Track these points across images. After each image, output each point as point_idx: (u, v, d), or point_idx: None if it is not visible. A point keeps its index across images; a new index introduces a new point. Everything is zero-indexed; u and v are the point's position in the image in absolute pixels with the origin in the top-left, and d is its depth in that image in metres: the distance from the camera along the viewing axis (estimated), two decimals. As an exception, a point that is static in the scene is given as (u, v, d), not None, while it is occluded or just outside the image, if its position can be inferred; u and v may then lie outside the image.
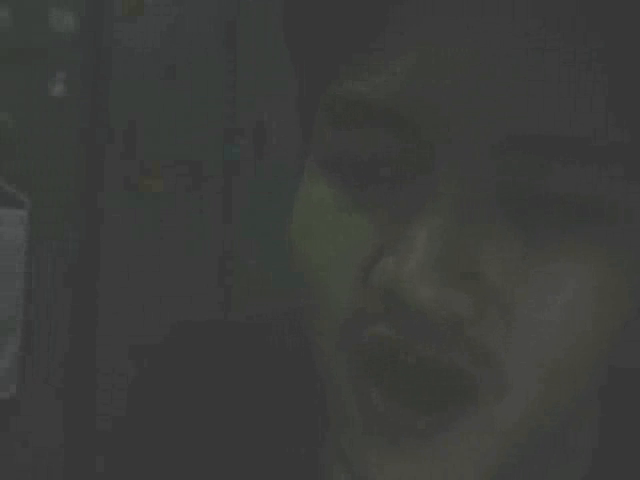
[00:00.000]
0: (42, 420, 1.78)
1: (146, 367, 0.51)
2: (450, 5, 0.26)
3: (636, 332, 0.33)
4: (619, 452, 0.39)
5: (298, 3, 0.31)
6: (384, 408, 0.29)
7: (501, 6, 0.26)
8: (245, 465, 0.46)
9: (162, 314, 1.90)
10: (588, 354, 0.29)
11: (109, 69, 1.89)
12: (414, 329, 0.27)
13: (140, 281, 1.91)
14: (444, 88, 0.26)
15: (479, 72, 0.26)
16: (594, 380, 0.32)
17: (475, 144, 0.26)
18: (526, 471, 0.34)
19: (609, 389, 0.40)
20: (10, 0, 1.76)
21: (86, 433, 1.83)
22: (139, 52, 1.93)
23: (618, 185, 0.27)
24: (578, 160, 0.26)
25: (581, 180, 0.26)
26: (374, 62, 0.28)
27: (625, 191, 0.28)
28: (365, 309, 0.29)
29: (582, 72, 0.26)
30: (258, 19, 1.92)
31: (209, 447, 0.47)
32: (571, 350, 0.28)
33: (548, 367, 0.28)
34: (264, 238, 1.86)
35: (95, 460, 1.82)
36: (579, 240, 0.28)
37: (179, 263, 1.97)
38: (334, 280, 0.30)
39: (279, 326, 0.47)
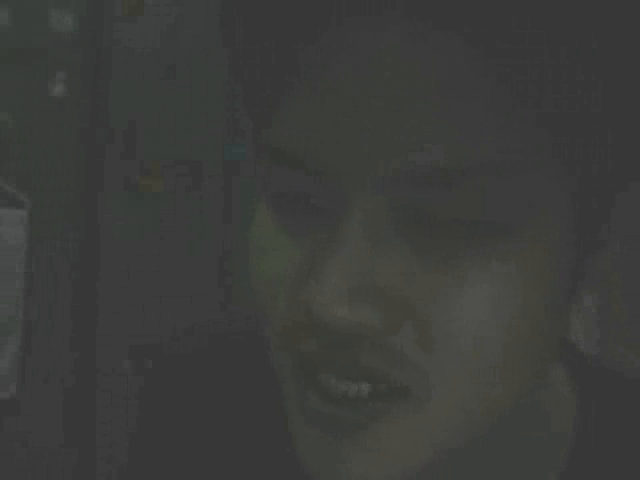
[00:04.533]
0: (42, 420, 1.79)
1: (152, 378, 0.52)
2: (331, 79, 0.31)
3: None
4: (595, 450, 0.41)
5: (235, 60, 0.37)
6: (322, 408, 0.33)
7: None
8: (247, 470, 0.46)
9: (162, 314, 1.90)
10: (509, 350, 0.32)
11: (109, 69, 1.90)
12: (335, 343, 0.32)
13: (140, 281, 1.91)
14: (333, 139, 0.31)
15: (357, 123, 0.31)
16: (532, 372, 0.35)
17: (360, 180, 0.31)
18: (485, 462, 0.39)
19: (589, 390, 0.42)
20: (10, 0, 1.76)
21: (86, 433, 1.84)
22: (139, 52, 1.94)
23: (510, 204, 0.31)
24: (452, 187, 0.30)
25: (458, 205, 0.30)
26: (281, 118, 0.33)
27: (520, 207, 0.31)
28: (295, 327, 0.33)
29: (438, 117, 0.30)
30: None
31: (217, 462, 0.47)
32: (486, 348, 0.32)
33: (468, 365, 0.32)
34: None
35: (95, 460, 1.83)
36: (472, 251, 0.31)
37: (179, 263, 1.97)
38: (273, 296, 0.34)
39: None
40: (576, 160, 0.32)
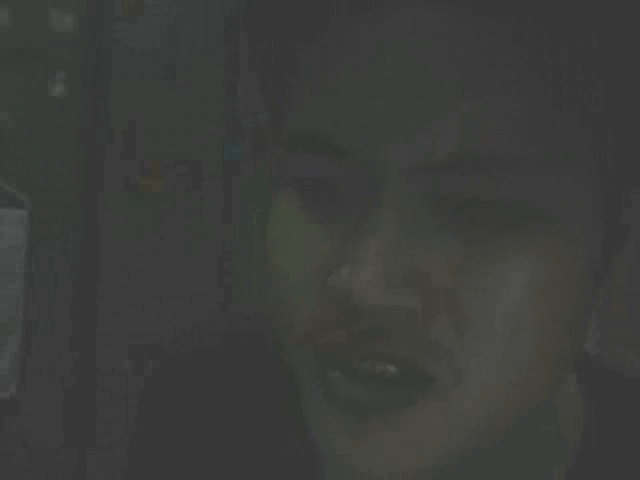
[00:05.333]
0: (42, 420, 1.78)
1: (154, 379, 0.52)
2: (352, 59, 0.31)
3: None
4: (602, 450, 0.40)
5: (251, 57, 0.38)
6: (344, 384, 0.32)
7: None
8: (248, 468, 0.46)
9: (162, 314, 1.90)
10: (542, 343, 0.32)
11: (109, 69, 1.89)
12: (366, 332, 0.31)
13: (140, 281, 1.91)
14: (368, 123, 0.31)
15: (391, 107, 0.30)
16: (558, 371, 0.34)
17: (394, 165, 0.30)
18: (499, 458, 0.38)
19: (594, 391, 0.42)
20: (10, 0, 1.76)
21: (86, 433, 1.84)
22: (139, 52, 1.93)
23: (544, 192, 0.31)
24: (494, 172, 0.30)
25: (499, 189, 0.30)
26: (309, 104, 0.33)
27: (552, 197, 0.31)
28: (322, 318, 0.32)
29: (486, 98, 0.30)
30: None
31: (218, 462, 0.47)
32: (521, 339, 0.31)
33: (501, 356, 0.31)
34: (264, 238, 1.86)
35: (95, 460, 1.83)
36: (514, 239, 0.31)
37: (179, 263, 1.97)
38: (295, 289, 0.33)
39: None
40: (607, 157, 0.32)
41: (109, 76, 1.89)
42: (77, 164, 1.85)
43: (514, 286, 0.31)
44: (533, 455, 0.40)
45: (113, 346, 1.87)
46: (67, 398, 1.82)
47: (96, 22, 1.87)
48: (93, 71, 1.87)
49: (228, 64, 2.03)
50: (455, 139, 0.30)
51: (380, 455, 0.32)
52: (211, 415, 0.48)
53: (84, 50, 1.86)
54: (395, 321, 0.30)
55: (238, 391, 0.48)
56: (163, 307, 1.92)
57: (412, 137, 0.30)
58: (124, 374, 1.88)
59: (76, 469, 1.82)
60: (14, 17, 1.77)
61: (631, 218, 0.35)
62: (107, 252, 1.87)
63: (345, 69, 0.31)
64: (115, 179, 1.90)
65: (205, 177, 2.03)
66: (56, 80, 1.81)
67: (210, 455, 0.48)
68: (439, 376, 0.31)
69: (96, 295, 1.86)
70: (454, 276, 0.31)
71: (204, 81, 2.01)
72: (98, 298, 1.86)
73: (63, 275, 1.82)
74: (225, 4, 1.99)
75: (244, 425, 0.47)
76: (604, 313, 1.97)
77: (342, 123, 0.31)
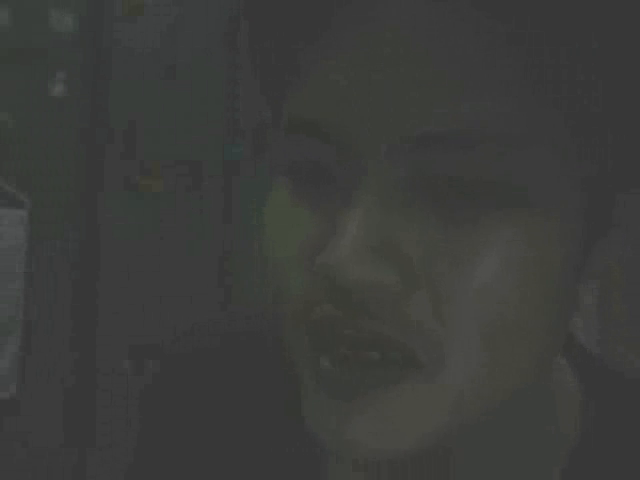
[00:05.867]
0: (42, 420, 1.78)
1: (156, 378, 0.52)
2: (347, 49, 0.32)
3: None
4: (597, 450, 0.41)
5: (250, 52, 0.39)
6: (331, 372, 0.33)
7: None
8: (250, 467, 0.46)
9: (162, 314, 1.90)
10: (521, 323, 0.32)
11: (109, 69, 1.89)
12: (351, 307, 0.32)
13: (140, 281, 1.91)
14: (346, 106, 0.32)
15: (368, 91, 0.31)
16: (541, 353, 0.35)
17: (378, 145, 0.31)
18: (493, 450, 0.39)
19: (594, 390, 0.42)
20: (10, 0, 1.76)
21: (86, 433, 1.84)
22: (139, 52, 1.93)
23: (528, 174, 0.31)
24: (471, 148, 0.30)
25: (482, 168, 0.31)
26: (300, 90, 0.34)
27: (536, 181, 0.31)
28: (312, 296, 0.33)
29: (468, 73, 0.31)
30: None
31: (220, 461, 0.48)
32: (503, 316, 0.32)
33: (483, 333, 0.32)
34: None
35: (95, 460, 1.83)
36: (494, 220, 0.31)
37: (179, 263, 1.97)
38: (289, 271, 0.34)
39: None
40: (590, 147, 0.32)
41: (109, 76, 1.89)
42: (77, 164, 1.85)
43: (492, 266, 0.31)
44: (529, 452, 0.40)
45: (113, 346, 1.87)
46: (67, 398, 1.82)
47: (96, 22, 1.87)
48: (93, 71, 1.87)
49: (228, 64, 2.03)
50: (433, 118, 0.30)
51: (367, 434, 0.33)
52: (211, 415, 0.48)
53: (84, 50, 1.86)
54: (376, 297, 0.31)
55: (238, 391, 0.48)
56: (163, 307, 1.92)
57: (388, 118, 0.31)
58: (124, 374, 1.88)
59: (76, 469, 1.82)
60: (14, 17, 1.77)
61: (617, 217, 0.36)
62: (107, 252, 1.87)
63: (340, 61, 0.32)
64: (115, 179, 1.90)
65: (205, 177, 2.03)
66: (56, 80, 1.81)
67: (211, 455, 0.48)
68: (420, 355, 0.32)
69: (96, 295, 1.86)
70: (433, 254, 0.32)
71: (204, 81, 2.01)
72: (98, 298, 1.86)
73: (63, 275, 1.82)
74: (225, 4, 1.99)
75: (244, 425, 0.47)
76: (604, 313, 1.97)
77: (326, 108, 0.32)
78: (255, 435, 0.47)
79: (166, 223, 1.96)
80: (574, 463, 0.40)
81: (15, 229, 1.76)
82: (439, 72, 0.31)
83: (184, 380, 0.50)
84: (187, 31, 1.99)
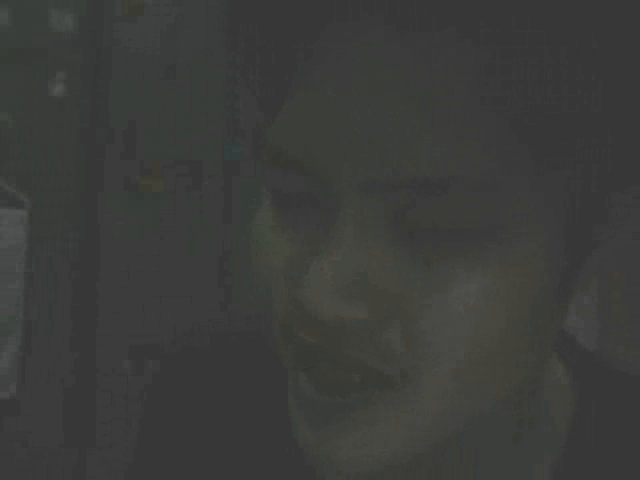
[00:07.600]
0: (42, 420, 1.79)
1: (159, 379, 0.52)
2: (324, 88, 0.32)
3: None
4: (589, 447, 0.41)
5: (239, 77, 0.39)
6: (309, 392, 0.34)
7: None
8: (251, 466, 0.46)
9: (162, 314, 1.90)
10: (501, 347, 0.33)
11: (109, 69, 1.90)
12: (326, 336, 0.33)
13: (140, 281, 1.91)
14: (322, 141, 0.32)
15: (342, 128, 0.31)
16: (519, 372, 0.35)
17: (349, 182, 0.32)
18: (479, 452, 0.40)
19: (588, 386, 0.43)
20: (10, 0, 1.76)
21: (86, 433, 1.84)
22: (139, 52, 1.94)
23: (497, 214, 0.31)
24: (435, 195, 0.31)
25: (449, 212, 0.31)
26: (279, 120, 0.34)
27: (506, 218, 0.32)
28: (293, 314, 0.34)
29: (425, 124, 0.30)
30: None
31: (221, 460, 0.48)
32: (479, 346, 0.32)
33: (459, 362, 0.33)
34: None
35: (95, 460, 1.83)
36: (465, 259, 0.32)
37: (179, 263, 1.97)
38: (274, 287, 0.36)
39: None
40: (559, 169, 0.32)
41: (109, 76, 1.89)
42: (77, 164, 1.85)
43: (466, 298, 0.32)
44: (520, 449, 0.41)
45: (113, 346, 1.88)
46: (67, 398, 1.82)
47: (96, 22, 1.88)
48: (93, 71, 1.87)
49: (228, 64, 2.03)
50: (406, 161, 0.30)
51: (343, 454, 0.34)
52: (211, 415, 0.49)
53: (84, 50, 1.86)
54: (350, 330, 0.32)
55: (238, 391, 0.48)
56: (163, 307, 1.92)
57: (363, 154, 0.31)
58: (124, 374, 1.88)
59: (76, 469, 1.82)
60: (14, 17, 1.77)
61: (615, 217, 0.35)
62: (107, 252, 1.88)
63: (314, 97, 0.32)
64: (115, 179, 1.90)
65: (205, 177, 2.03)
66: (56, 80, 1.82)
67: (211, 455, 0.48)
68: (393, 378, 0.33)
69: (96, 295, 1.86)
70: (407, 288, 0.32)
71: (204, 81, 2.01)
72: (98, 298, 1.86)
73: (63, 275, 1.82)
74: (225, 4, 1.99)
75: (244, 425, 0.47)
76: (604, 313, 1.97)
77: (302, 142, 0.33)
78: (255, 435, 0.47)
79: (166, 223, 1.96)
80: (565, 459, 0.41)
81: (15, 229, 1.76)
82: (412, 115, 0.30)
83: (184, 380, 0.50)
84: (187, 31, 1.99)
